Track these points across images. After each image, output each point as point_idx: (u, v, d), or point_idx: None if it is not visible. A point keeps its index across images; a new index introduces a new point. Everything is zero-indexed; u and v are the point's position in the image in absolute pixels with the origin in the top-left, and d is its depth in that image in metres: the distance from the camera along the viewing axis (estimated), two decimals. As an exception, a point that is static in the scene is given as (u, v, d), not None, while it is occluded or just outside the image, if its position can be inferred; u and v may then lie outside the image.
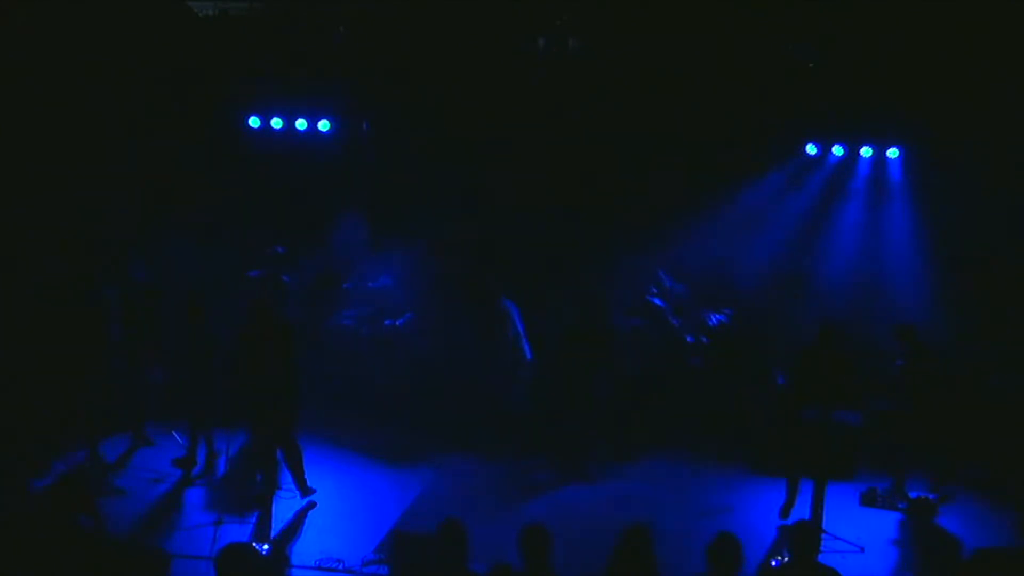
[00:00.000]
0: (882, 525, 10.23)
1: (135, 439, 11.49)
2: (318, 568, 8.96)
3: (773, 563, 7.35)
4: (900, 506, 10.56)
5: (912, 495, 10.69)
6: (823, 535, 9.29)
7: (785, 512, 10.16)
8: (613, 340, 11.43)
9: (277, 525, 9.72)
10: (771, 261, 12.91)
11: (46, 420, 10.92)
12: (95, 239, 12.43)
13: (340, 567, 8.97)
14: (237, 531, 9.45)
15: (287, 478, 10.41)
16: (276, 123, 13.10)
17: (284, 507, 10.23)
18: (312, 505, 10.31)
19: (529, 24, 13.11)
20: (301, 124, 13.09)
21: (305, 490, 10.34)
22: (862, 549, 9.68)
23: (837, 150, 12.59)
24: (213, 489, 10.59)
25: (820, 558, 7.94)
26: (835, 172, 12.87)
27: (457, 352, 12.45)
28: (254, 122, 13.12)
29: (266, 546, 9.10)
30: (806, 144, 12.62)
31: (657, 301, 12.70)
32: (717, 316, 12.84)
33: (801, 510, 9.88)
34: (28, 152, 12.13)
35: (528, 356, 11.98)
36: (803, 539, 7.10)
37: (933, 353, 10.72)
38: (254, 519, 9.75)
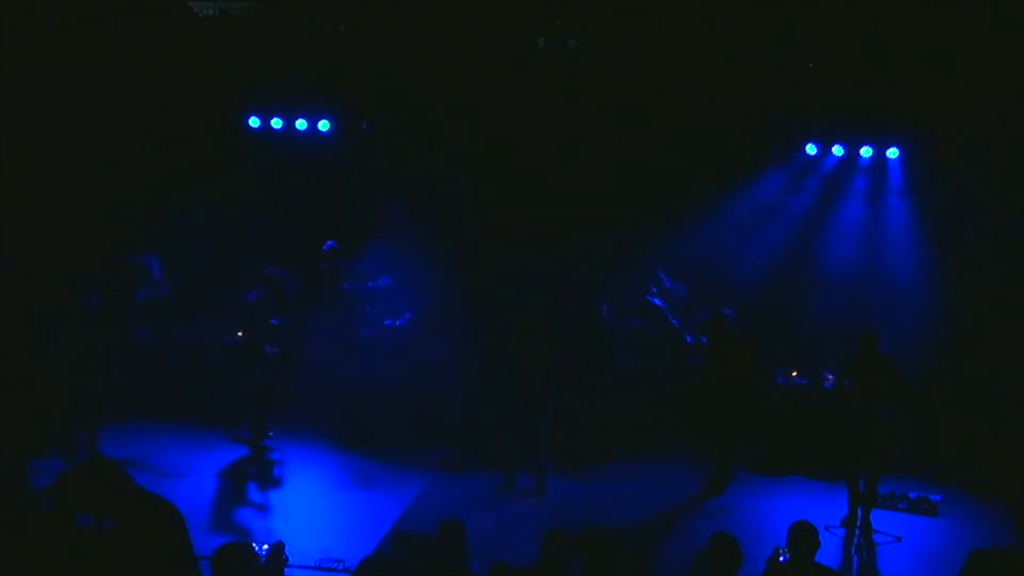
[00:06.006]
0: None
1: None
2: (318, 568, 8.97)
3: (781, 559, 7.35)
4: (900, 506, 10.58)
5: (912, 495, 10.71)
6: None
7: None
8: (559, 350, 11.39)
9: (277, 524, 9.73)
10: (771, 261, 12.90)
11: (45, 415, 10.92)
12: (94, 237, 12.42)
13: (340, 567, 8.97)
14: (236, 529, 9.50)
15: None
16: (276, 123, 13.11)
17: (284, 507, 10.25)
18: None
19: (529, 24, 13.11)
20: (301, 124, 13.10)
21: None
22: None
23: (837, 150, 12.58)
24: (207, 486, 10.64)
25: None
26: (835, 172, 12.87)
27: (457, 352, 12.46)
28: (254, 122, 13.12)
29: (265, 546, 9.09)
30: (806, 144, 12.61)
31: (657, 301, 12.69)
32: (717, 316, 12.82)
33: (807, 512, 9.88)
34: (26, 151, 12.12)
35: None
36: (803, 539, 7.08)
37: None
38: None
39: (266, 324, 11.76)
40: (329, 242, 12.69)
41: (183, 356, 13.05)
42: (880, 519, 10.09)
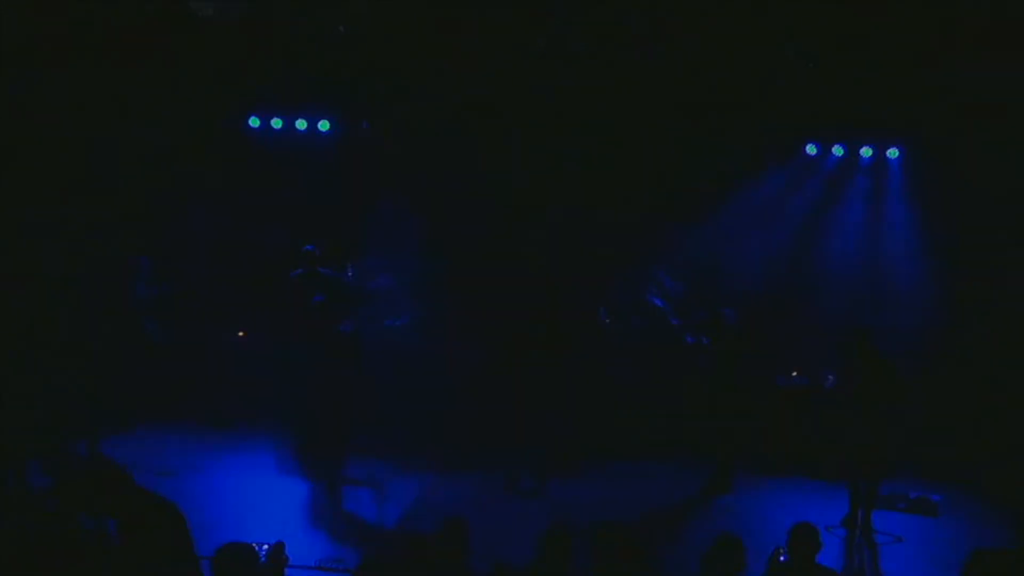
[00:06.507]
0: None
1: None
2: (318, 568, 8.97)
3: (781, 558, 7.35)
4: (899, 506, 10.58)
5: (912, 495, 10.71)
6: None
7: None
8: (566, 349, 11.39)
9: (277, 524, 9.72)
10: (771, 261, 12.90)
11: (46, 417, 10.91)
12: (93, 237, 12.42)
13: (340, 567, 8.97)
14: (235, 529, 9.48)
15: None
16: (276, 123, 13.10)
17: (284, 507, 10.24)
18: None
19: (529, 24, 13.10)
20: (301, 124, 13.09)
21: None
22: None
23: (837, 150, 12.59)
24: (208, 486, 10.63)
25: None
26: (835, 172, 12.87)
27: (457, 352, 12.45)
28: (254, 122, 13.12)
29: (265, 546, 9.09)
30: (806, 144, 12.61)
31: (657, 301, 12.70)
32: (717, 316, 12.81)
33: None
34: (25, 151, 12.13)
35: None
36: (803, 540, 7.07)
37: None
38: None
39: (333, 327, 11.77)
40: (307, 246, 12.09)
41: (184, 355, 13.02)
42: (880, 519, 10.09)
